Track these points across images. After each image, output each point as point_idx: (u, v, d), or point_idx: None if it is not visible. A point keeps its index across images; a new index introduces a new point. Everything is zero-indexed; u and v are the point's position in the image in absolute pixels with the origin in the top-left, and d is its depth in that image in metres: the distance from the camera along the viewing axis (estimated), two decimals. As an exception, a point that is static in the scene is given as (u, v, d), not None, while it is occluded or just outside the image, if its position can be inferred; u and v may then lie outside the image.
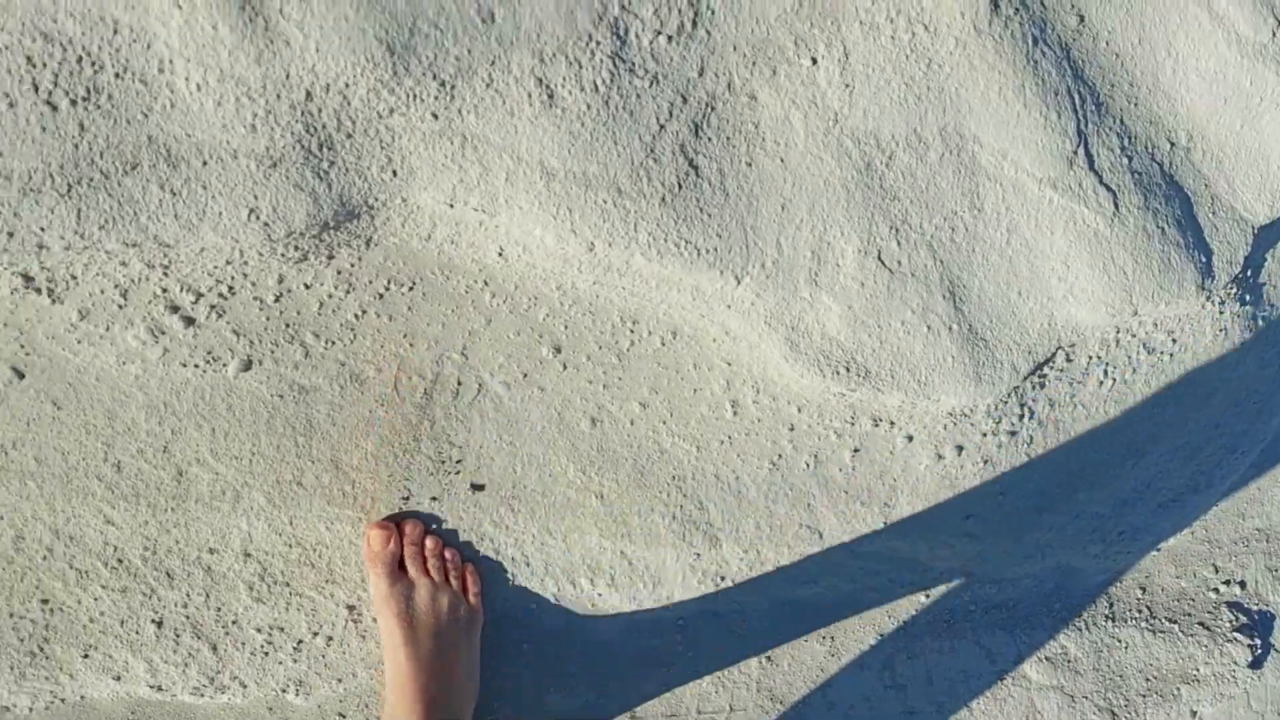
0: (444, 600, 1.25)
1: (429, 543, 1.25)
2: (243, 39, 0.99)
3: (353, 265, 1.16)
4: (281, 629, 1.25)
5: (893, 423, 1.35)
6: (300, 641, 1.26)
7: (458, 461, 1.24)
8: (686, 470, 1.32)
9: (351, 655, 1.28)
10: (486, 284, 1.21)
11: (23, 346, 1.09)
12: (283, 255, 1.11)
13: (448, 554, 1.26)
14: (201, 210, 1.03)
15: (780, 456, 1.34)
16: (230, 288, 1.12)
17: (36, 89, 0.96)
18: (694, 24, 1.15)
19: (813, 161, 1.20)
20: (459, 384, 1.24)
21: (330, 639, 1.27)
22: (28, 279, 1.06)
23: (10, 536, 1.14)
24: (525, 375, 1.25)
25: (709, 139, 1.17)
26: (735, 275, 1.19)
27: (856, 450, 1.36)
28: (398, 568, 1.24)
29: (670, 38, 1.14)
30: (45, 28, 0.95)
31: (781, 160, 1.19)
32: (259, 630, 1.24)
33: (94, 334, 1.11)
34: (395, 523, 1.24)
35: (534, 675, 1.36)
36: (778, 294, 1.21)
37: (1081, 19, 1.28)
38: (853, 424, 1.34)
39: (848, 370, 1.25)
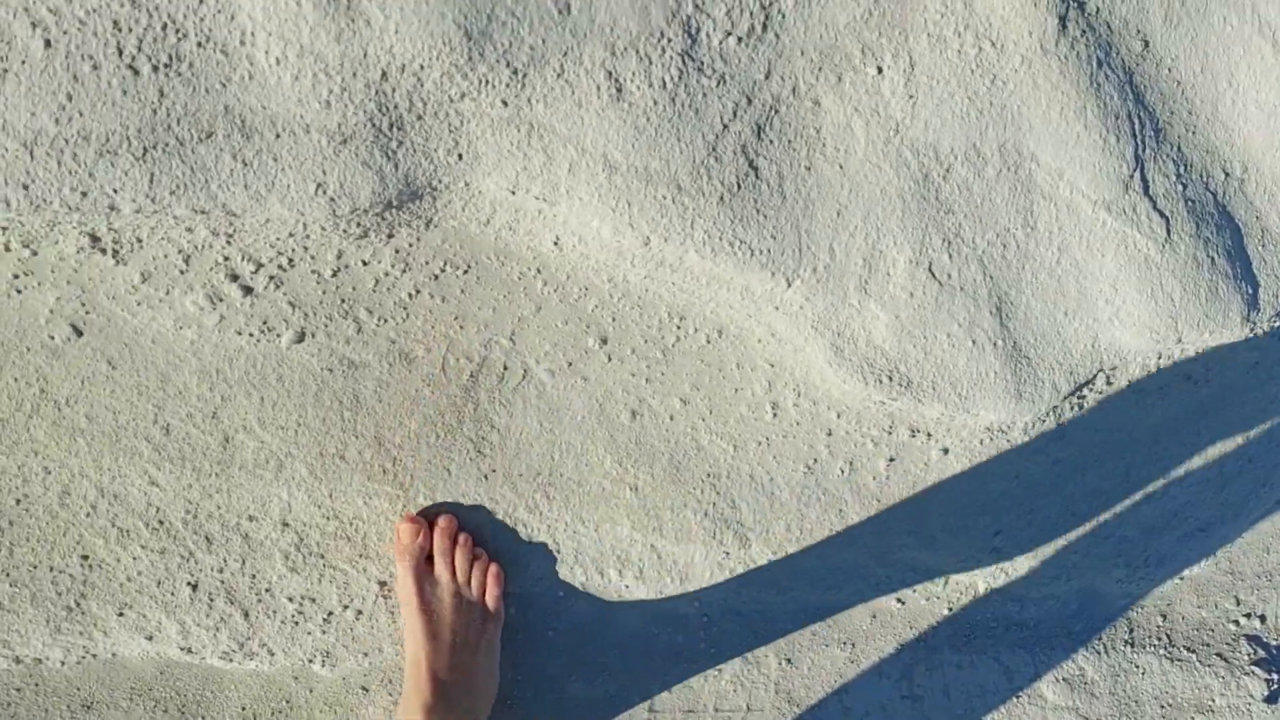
0: (467, 599, 1.26)
1: (460, 538, 1.26)
2: (325, 16, 1.00)
3: (411, 245, 1.17)
4: (313, 600, 1.27)
5: (929, 434, 1.35)
6: (330, 613, 1.28)
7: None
8: (722, 468, 1.33)
9: (379, 630, 1.29)
10: (539, 272, 1.22)
11: (83, 305, 1.10)
12: (344, 231, 1.12)
13: (477, 553, 1.28)
14: (271, 182, 1.04)
15: (816, 461, 1.35)
16: (290, 260, 1.14)
17: (121, 53, 0.97)
18: (764, 27, 1.15)
19: (871, 170, 1.21)
20: (505, 369, 1.25)
21: (360, 613, 1.28)
22: (94, 239, 1.07)
23: (57, 491, 1.15)
24: (570, 364, 1.26)
25: (770, 141, 1.18)
26: (786, 278, 1.20)
27: (892, 459, 1.37)
28: (425, 563, 1.25)
29: (740, 39, 1.15)
30: (132, -8, 0.96)
31: (840, 167, 1.20)
32: (291, 600, 1.26)
33: (154, 297, 1.12)
34: (430, 516, 1.26)
35: (557, 663, 1.38)
36: (827, 299, 1.22)
37: (1146, 44, 1.29)
38: (890, 433, 1.34)
39: (890, 379, 1.26)
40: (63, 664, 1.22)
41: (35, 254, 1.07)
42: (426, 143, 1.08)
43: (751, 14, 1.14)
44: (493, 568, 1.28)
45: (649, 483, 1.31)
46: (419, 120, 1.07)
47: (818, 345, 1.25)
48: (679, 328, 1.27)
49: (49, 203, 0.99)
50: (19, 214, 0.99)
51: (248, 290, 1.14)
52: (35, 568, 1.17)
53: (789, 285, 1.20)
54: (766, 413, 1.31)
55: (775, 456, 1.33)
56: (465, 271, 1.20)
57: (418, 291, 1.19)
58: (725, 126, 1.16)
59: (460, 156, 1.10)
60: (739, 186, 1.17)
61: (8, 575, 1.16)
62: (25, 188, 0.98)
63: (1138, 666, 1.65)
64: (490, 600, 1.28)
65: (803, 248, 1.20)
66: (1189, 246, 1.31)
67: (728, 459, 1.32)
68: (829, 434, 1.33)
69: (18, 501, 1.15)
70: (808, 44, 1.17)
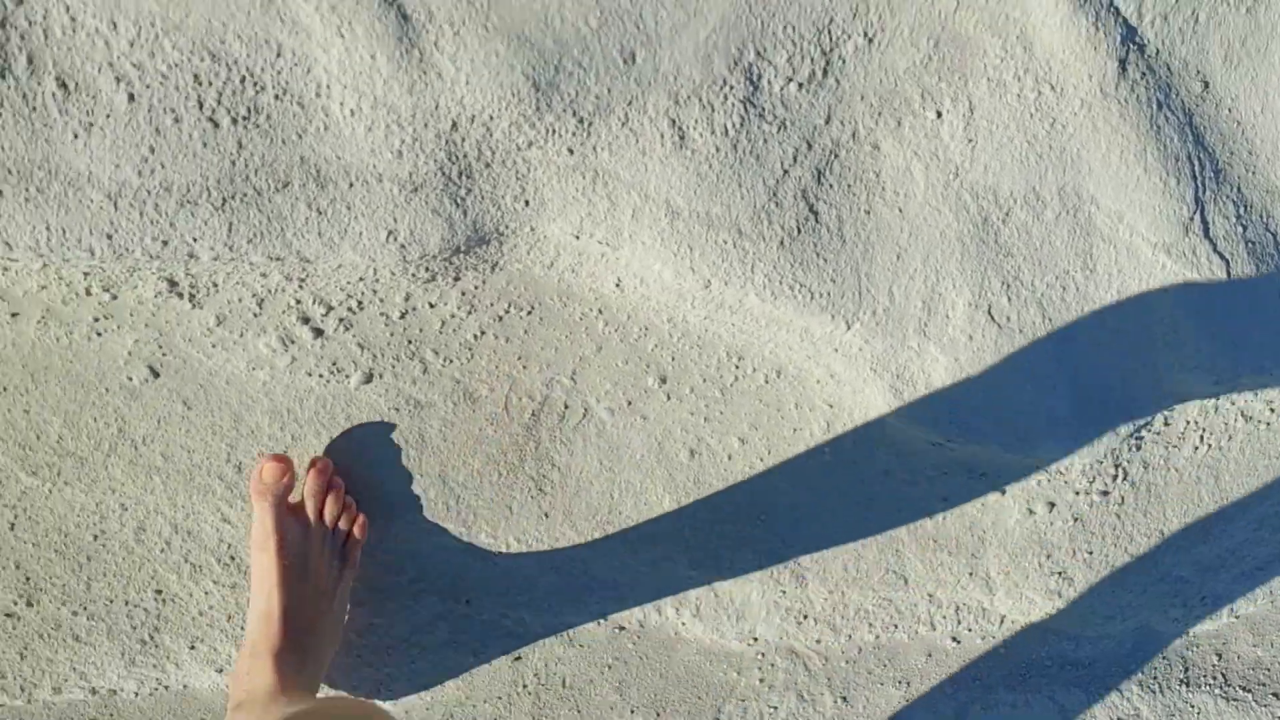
0: (329, 547, 1.20)
1: (334, 483, 1.21)
2: (398, 69, 1.02)
3: (476, 288, 1.19)
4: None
5: (985, 474, 1.35)
6: (393, 647, 1.30)
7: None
8: (779, 508, 1.33)
9: (442, 664, 1.31)
10: (601, 312, 1.24)
11: (161, 347, 1.14)
12: (413, 275, 1.14)
13: (346, 501, 1.22)
14: (344, 229, 1.07)
15: (873, 502, 1.35)
16: (359, 303, 1.16)
17: (201, 106, 1.00)
18: (825, 73, 1.17)
19: (930, 213, 1.22)
20: (565, 408, 1.26)
21: (423, 647, 1.30)
22: (172, 284, 1.10)
23: (132, 528, 1.19)
24: (630, 403, 1.28)
25: (830, 185, 1.19)
26: (846, 320, 1.21)
27: (947, 500, 1.37)
28: (286, 504, 1.19)
29: (801, 85, 1.16)
30: (214, 48, 0.99)
31: (900, 210, 1.21)
32: (357, 634, 1.28)
33: (228, 339, 1.15)
34: (314, 459, 1.20)
35: (614, 699, 1.39)
36: (886, 341, 1.23)
37: (1206, 85, 1.28)
38: (947, 474, 1.34)
39: (949, 422, 1.26)
40: (136, 695, 1.24)
41: (115, 298, 1.11)
42: (494, 190, 1.10)
43: (812, 60, 1.16)
44: (360, 517, 1.23)
45: (707, 521, 1.32)
46: (487, 168, 1.09)
47: (877, 387, 1.25)
48: (737, 367, 1.28)
49: (131, 251, 1.02)
50: (102, 262, 1.03)
51: (318, 332, 1.17)
52: (111, 602, 1.20)
53: (848, 328, 1.21)
54: (825, 453, 1.32)
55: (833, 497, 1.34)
56: (529, 312, 1.22)
57: (482, 333, 1.22)
58: (786, 172, 1.17)
59: (527, 203, 1.12)
60: (799, 231, 1.18)
61: (85, 609, 1.19)
62: (109, 237, 1.01)
63: (1193, 706, 1.63)
64: (352, 548, 1.23)
65: (862, 291, 1.21)
66: (1249, 288, 1.30)
67: (786, 499, 1.33)
68: (886, 475, 1.34)
69: (95, 538, 1.18)
70: (868, 89, 1.19)
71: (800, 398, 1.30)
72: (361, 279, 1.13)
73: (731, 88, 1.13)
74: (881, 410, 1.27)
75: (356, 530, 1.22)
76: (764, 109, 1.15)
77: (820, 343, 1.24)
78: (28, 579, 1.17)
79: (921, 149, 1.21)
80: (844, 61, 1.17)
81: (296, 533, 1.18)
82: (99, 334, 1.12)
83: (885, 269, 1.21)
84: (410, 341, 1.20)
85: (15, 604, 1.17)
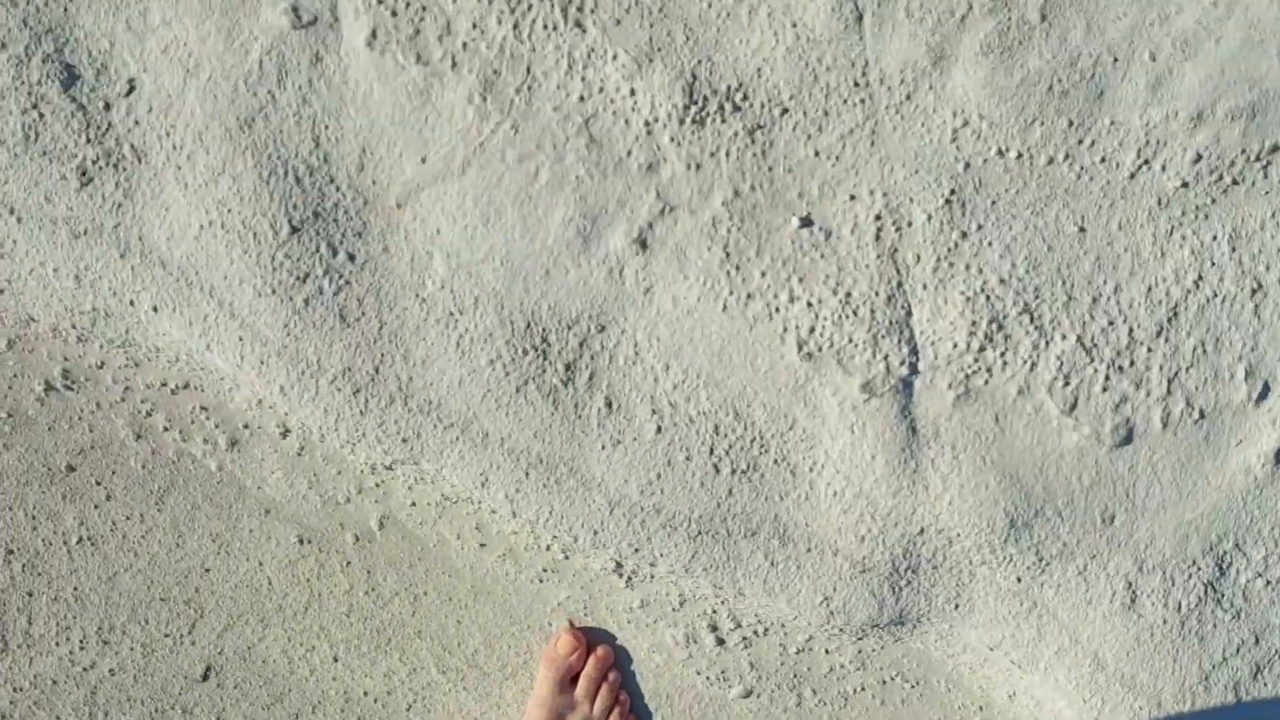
0: None
1: (610, 675, 1.27)
2: (891, 473, 1.09)
3: (874, 650, 1.23)
4: None
5: None
6: None
7: None
8: None
9: None
10: (981, 709, 1.24)
11: (585, 607, 1.25)
12: (823, 627, 1.20)
13: (621, 697, 1.28)
14: (787, 584, 1.14)
15: None
16: (765, 629, 1.23)
17: (712, 451, 1.11)
18: (1297, 578, 1.13)
19: (1367, 749, 1.14)
20: (913, 779, 1.28)
21: None
22: (619, 565, 1.22)
23: (500, 742, 1.31)
24: (976, 798, 1.27)
25: (1265, 684, 1.15)
26: (1237, 821, 1.15)
27: None
28: (569, 680, 1.26)
29: (1269, 583, 1.13)
30: (740, 409, 1.10)
31: (1334, 736, 1.15)
32: None
33: (643, 620, 1.25)
34: (599, 646, 1.27)
35: None
36: None
37: None
38: None
39: None
40: None
41: (567, 559, 1.23)
42: (931, 588, 1.14)
43: (1289, 562, 1.13)
44: (634, 716, 1.29)
45: None
46: (933, 570, 1.14)
47: None
48: (1099, 810, 1.25)
49: (607, 548, 1.14)
50: (580, 545, 1.15)
51: (720, 642, 1.25)
52: (460, 798, 1.32)
53: (1239, 831, 1.16)
54: None
55: None
56: (912, 686, 1.25)
57: (863, 689, 1.25)
58: (1224, 660, 1.14)
59: (957, 606, 1.15)
60: (1220, 723, 1.14)
61: (438, 797, 1.33)
62: (595, 532, 1.13)
63: None
64: None
65: (1266, 800, 1.15)
66: None
67: None
68: None
69: (469, 740, 1.31)
70: (1338, 604, 1.14)
71: None
72: (778, 615, 1.20)
73: (1198, 569, 1.12)
74: None
75: None
76: (1223, 596, 1.13)
77: (1200, 828, 1.19)
78: (404, 754, 1.32)
79: (1378, 681, 1.14)
80: (1321, 567, 1.13)
81: (566, 710, 1.27)
82: (541, 581, 1.25)
83: (1299, 788, 1.15)
84: (796, 675, 1.25)
85: (388, 771, 1.32)
